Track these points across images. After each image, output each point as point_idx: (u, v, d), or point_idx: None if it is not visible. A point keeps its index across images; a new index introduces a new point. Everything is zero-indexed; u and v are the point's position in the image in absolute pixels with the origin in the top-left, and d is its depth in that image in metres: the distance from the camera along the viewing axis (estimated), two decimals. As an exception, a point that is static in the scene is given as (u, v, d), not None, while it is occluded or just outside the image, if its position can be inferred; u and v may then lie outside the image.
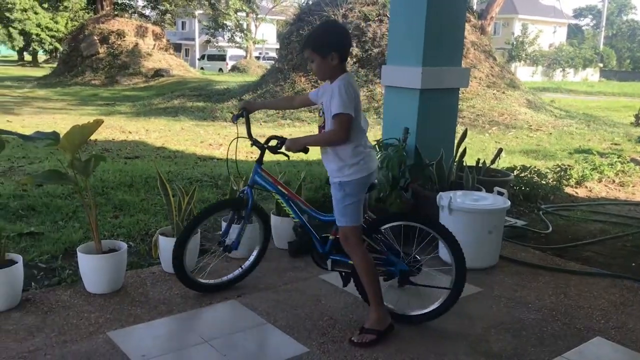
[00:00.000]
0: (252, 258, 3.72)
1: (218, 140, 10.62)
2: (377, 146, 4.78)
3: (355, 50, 15.34)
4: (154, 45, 28.05)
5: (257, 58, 45.05)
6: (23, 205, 5.02)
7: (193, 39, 51.52)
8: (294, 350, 2.90)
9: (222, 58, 43.61)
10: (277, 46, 28.37)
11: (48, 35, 39.83)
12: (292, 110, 14.50)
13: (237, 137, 3.32)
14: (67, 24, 39.63)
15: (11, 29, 39.53)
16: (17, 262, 3.23)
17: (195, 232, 3.53)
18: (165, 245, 3.68)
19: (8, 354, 2.75)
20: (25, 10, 38.67)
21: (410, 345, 2.99)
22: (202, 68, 40.90)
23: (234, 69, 38.70)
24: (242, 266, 3.69)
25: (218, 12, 36.05)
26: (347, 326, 3.14)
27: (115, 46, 26.68)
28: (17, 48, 43.39)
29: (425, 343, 3.02)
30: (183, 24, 54.75)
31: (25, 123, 12.11)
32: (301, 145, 2.96)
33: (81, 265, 3.45)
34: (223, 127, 12.82)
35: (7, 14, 38.62)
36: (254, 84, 17.95)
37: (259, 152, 3.31)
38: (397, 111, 4.90)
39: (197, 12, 40.61)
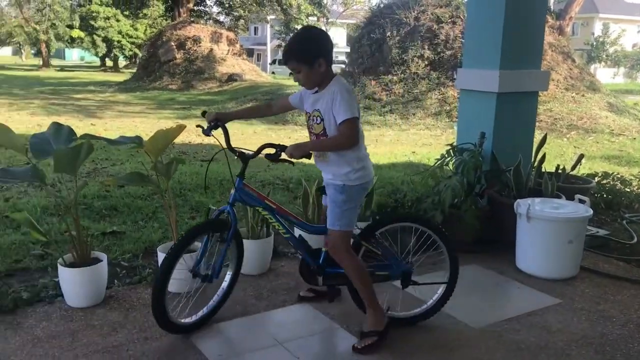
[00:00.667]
0: (225, 285, 3.25)
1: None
2: (451, 150, 4.70)
3: (427, 52, 15.16)
4: (228, 50, 28.73)
5: (327, 62, 45.26)
6: (106, 205, 5.26)
7: (265, 44, 52.51)
8: (368, 357, 2.89)
9: (292, 62, 44.06)
10: (347, 50, 28.47)
11: (128, 41, 41.67)
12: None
13: (223, 149, 3.02)
14: (146, 30, 41.30)
15: (95, 37, 41.70)
16: (102, 261, 3.39)
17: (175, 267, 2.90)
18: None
19: (94, 348, 2.88)
20: (107, 18, 40.73)
21: (488, 356, 2.91)
22: (273, 72, 41.56)
23: (305, 72, 39.00)
24: (217, 295, 3.24)
25: (290, 16, 36.58)
26: (421, 335, 3.09)
27: (192, 52, 27.50)
28: (100, 54, 45.60)
29: (503, 355, 2.93)
30: (255, 29, 55.93)
31: (108, 126, 12.68)
32: (305, 151, 2.77)
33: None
34: (294, 131, 12.96)
35: (92, 22, 40.82)
36: (325, 88, 18.07)
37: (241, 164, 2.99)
38: (473, 115, 4.79)
39: (270, 17, 41.37)
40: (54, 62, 51.32)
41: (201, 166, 7.70)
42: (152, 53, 28.51)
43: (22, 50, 58.75)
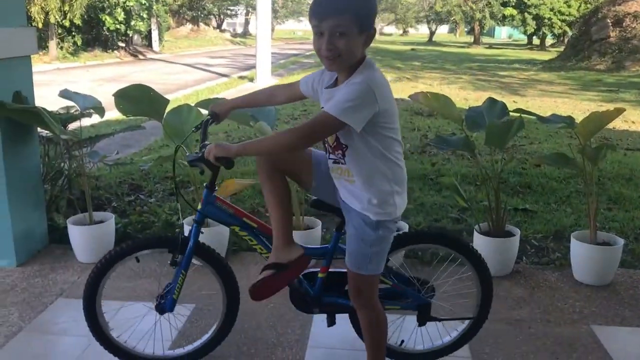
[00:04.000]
0: (208, 334, 2.58)
1: None
2: None
3: None
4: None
5: None
6: (520, 182, 5.36)
7: None
8: None
9: None
10: None
11: (559, 19, 40.52)
12: None
13: (208, 141, 2.34)
14: (579, 7, 39.36)
15: (526, 14, 41.95)
16: (514, 235, 3.46)
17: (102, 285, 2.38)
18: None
19: (497, 316, 2.93)
20: (542, -5, 40.32)
21: None
22: None
23: None
24: (192, 345, 2.58)
25: None
26: None
27: (629, 29, 25.02)
28: (528, 32, 45.63)
29: None
30: None
31: (529, 104, 12.64)
32: (226, 152, 1.97)
33: (572, 251, 3.44)
34: None
35: (525, 0, 41.07)
36: None
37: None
38: None
39: None
40: (484, 39, 53.68)
41: (625, 155, 7.04)
42: (584, 31, 27.05)
43: (457, 28, 63.28)
